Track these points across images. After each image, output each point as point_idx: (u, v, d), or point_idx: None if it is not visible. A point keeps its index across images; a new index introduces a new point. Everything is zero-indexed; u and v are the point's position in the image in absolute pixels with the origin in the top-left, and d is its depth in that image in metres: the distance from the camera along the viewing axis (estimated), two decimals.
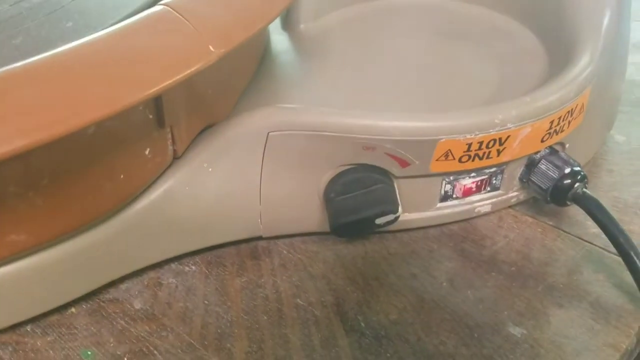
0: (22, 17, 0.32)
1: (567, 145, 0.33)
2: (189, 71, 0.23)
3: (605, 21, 0.34)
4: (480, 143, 0.29)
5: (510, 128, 0.29)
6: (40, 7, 0.33)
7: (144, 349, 0.29)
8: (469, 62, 0.37)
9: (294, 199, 0.32)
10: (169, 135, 0.29)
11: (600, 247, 0.33)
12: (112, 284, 0.32)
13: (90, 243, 0.29)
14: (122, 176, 0.28)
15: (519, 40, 0.38)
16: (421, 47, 0.38)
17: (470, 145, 0.29)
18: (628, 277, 0.30)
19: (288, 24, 0.40)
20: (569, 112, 0.31)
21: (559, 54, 0.35)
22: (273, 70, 0.36)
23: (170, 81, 0.23)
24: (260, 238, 0.34)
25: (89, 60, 0.22)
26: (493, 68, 0.36)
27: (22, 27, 0.31)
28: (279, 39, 0.40)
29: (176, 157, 0.30)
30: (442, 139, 0.28)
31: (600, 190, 0.37)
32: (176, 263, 0.33)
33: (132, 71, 0.22)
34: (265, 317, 0.30)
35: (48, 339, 0.29)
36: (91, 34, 0.29)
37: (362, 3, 0.42)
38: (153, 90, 0.22)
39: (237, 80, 0.33)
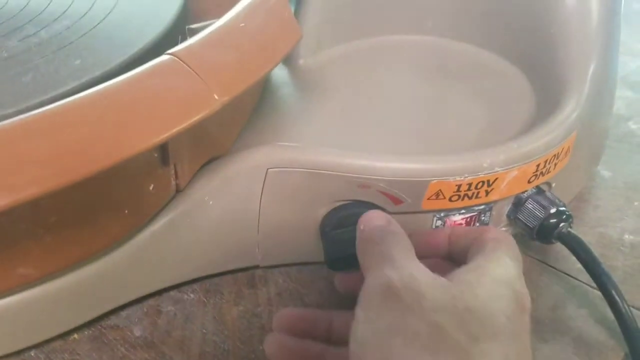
0: (31, 53, 0.33)
1: (553, 185, 0.35)
2: (194, 119, 0.25)
3: (593, 65, 0.36)
4: (470, 184, 0.30)
5: (497, 171, 0.30)
6: (49, 43, 0.34)
7: None
8: (459, 100, 0.38)
9: (291, 231, 0.34)
10: (173, 172, 0.30)
11: (584, 283, 0.34)
12: (113, 310, 0.33)
13: (94, 273, 0.30)
14: (126, 211, 0.29)
15: (508, 79, 0.39)
16: (414, 85, 0.40)
17: (460, 186, 0.30)
18: (610, 313, 0.31)
19: (288, 58, 0.41)
20: (555, 155, 0.32)
21: (547, 94, 0.36)
22: (272, 105, 0.38)
23: (177, 129, 0.24)
24: (257, 267, 0.36)
25: (99, 110, 0.23)
26: (483, 107, 0.37)
27: (32, 63, 0.32)
28: (278, 73, 0.41)
29: (179, 191, 0.31)
30: (433, 180, 0.30)
31: (586, 226, 0.38)
32: (175, 290, 0.34)
33: (142, 120, 0.24)
34: (262, 348, 0.31)
35: None
36: (99, 72, 0.31)
37: (359, 40, 0.44)
38: (161, 138, 0.24)
39: (239, 117, 0.34)
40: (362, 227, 0.27)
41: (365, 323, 0.22)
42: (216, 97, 0.26)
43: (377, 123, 0.36)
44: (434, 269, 0.23)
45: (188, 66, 0.26)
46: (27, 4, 0.38)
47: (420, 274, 0.23)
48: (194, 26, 0.44)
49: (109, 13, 0.37)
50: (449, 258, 0.28)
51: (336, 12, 0.42)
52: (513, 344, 0.21)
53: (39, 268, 0.27)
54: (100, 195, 0.27)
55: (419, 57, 0.42)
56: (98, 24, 0.36)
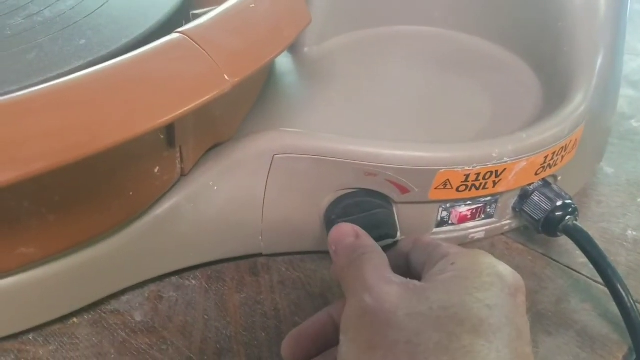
0: (35, 31, 0.32)
1: (559, 178, 0.34)
2: (205, 99, 0.24)
3: (600, 59, 0.36)
4: (478, 175, 0.30)
5: (506, 162, 0.30)
6: (54, 22, 0.33)
7: None
8: (466, 92, 0.38)
9: (295, 219, 0.33)
10: (178, 155, 0.30)
11: (588, 277, 0.34)
12: (114, 295, 0.32)
13: (96, 256, 0.29)
14: (131, 193, 0.28)
15: (515, 73, 0.39)
16: (420, 75, 0.39)
17: (468, 176, 0.30)
18: (613, 307, 0.31)
19: (293, 46, 0.41)
20: (562, 147, 0.32)
21: (554, 88, 0.36)
22: (277, 92, 0.37)
23: (187, 108, 0.24)
24: (260, 255, 0.35)
25: (109, 86, 0.23)
26: (489, 99, 0.37)
27: (36, 42, 0.31)
28: (283, 61, 0.41)
29: (183, 175, 0.31)
30: (441, 169, 0.30)
31: (589, 221, 0.38)
32: (177, 277, 0.34)
33: (151, 98, 0.23)
34: (264, 334, 0.31)
35: (50, 348, 0.30)
36: (104, 52, 0.30)
37: (364, 30, 0.43)
38: (171, 116, 0.23)
39: (244, 102, 0.34)
40: (333, 249, 0.27)
41: (346, 344, 0.22)
42: (227, 77, 0.25)
43: (382, 112, 0.35)
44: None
45: (199, 45, 0.25)
46: None
47: (392, 287, 0.22)
48: (197, 11, 0.43)
49: None
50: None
51: (342, 2, 0.42)
52: (501, 333, 0.20)
53: (41, 248, 0.27)
54: (105, 175, 0.26)
55: (425, 48, 0.42)
56: (102, 5, 0.35)
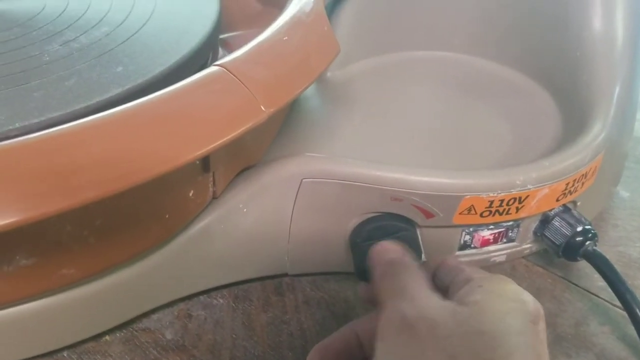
0: (73, 58, 0.34)
1: (578, 203, 0.35)
2: (243, 129, 0.25)
3: (618, 88, 0.37)
4: (502, 201, 0.31)
5: (529, 189, 0.31)
6: (90, 49, 0.35)
7: None
8: (486, 117, 0.39)
9: (320, 241, 0.34)
10: (211, 179, 0.31)
11: (606, 300, 0.35)
12: (144, 313, 0.33)
13: (131, 276, 0.30)
14: (167, 215, 0.29)
15: (533, 99, 0.40)
16: (440, 101, 0.40)
17: (492, 202, 0.31)
18: (631, 331, 0.32)
19: None
20: (583, 175, 0.33)
21: (572, 115, 0.37)
22: (301, 117, 0.38)
23: (227, 138, 0.25)
24: (285, 275, 0.36)
25: (155, 118, 0.24)
26: (509, 125, 0.38)
27: (74, 68, 0.33)
28: None
29: (215, 198, 0.32)
30: (467, 195, 0.30)
31: (606, 245, 0.39)
32: (205, 296, 0.35)
33: (195, 129, 0.24)
34: (291, 354, 0.32)
35: None
36: (141, 79, 0.31)
37: (385, 55, 0.45)
38: (212, 146, 0.24)
39: (272, 127, 0.35)
40: (374, 262, 0.28)
41: (383, 356, 0.23)
42: (263, 108, 0.26)
43: (404, 136, 0.37)
44: None
45: (237, 78, 0.26)
46: (65, 9, 0.39)
47: (432, 301, 0.23)
48: (223, 36, 0.45)
49: (146, 22, 0.38)
50: None
51: (365, 27, 0.43)
52: None
53: (81, 269, 0.28)
54: (145, 200, 0.28)
55: (445, 73, 0.43)
56: (135, 32, 0.36)
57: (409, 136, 0.37)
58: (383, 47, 0.45)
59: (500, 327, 0.22)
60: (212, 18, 0.39)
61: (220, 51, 0.43)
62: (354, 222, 0.33)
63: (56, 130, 0.22)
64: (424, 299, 0.23)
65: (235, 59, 0.27)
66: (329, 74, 0.42)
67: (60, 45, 0.35)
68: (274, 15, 0.47)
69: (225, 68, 0.26)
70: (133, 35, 0.36)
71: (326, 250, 0.35)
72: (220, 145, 0.25)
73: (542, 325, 0.23)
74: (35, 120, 0.28)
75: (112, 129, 0.23)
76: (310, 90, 0.42)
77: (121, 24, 0.37)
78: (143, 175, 0.23)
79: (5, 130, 0.27)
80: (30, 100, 0.29)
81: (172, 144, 0.23)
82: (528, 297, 0.23)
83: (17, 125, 0.27)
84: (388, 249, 0.28)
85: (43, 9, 0.40)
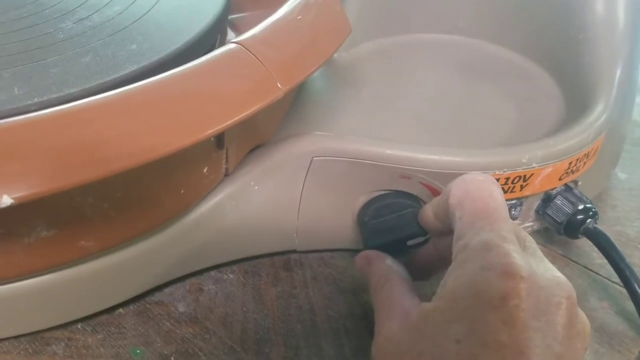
0: (87, 35, 0.34)
1: (579, 183, 0.36)
2: (261, 105, 0.26)
3: (619, 70, 0.38)
4: (507, 179, 0.32)
5: (534, 167, 0.32)
6: (104, 27, 0.35)
7: (189, 350, 0.31)
8: (490, 98, 0.40)
9: (329, 218, 0.35)
10: (224, 155, 0.31)
11: (605, 277, 0.36)
12: (157, 287, 0.34)
13: (144, 250, 0.31)
14: (182, 190, 0.30)
15: (536, 81, 0.41)
16: (445, 82, 0.41)
17: (498, 180, 0.32)
18: (629, 306, 0.33)
19: None
20: (585, 154, 0.34)
21: (575, 97, 0.38)
22: (309, 96, 0.39)
23: (246, 113, 0.25)
24: (293, 251, 0.37)
25: (177, 93, 0.24)
26: (513, 106, 0.39)
27: (89, 45, 0.33)
28: None
29: (227, 175, 0.33)
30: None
31: (605, 224, 0.40)
32: (215, 271, 0.36)
33: (214, 104, 0.25)
34: (300, 326, 0.33)
35: (98, 336, 0.32)
36: (156, 57, 0.32)
37: (390, 37, 0.45)
38: (232, 121, 0.25)
39: (283, 105, 0.36)
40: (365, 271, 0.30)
41: None
42: (279, 85, 0.27)
43: (410, 117, 0.37)
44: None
45: (254, 55, 0.27)
46: None
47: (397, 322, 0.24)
48: (232, 17, 0.45)
49: (157, 1, 0.38)
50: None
51: (371, 9, 0.44)
52: None
53: (99, 242, 0.29)
54: (163, 174, 0.28)
55: (449, 55, 0.44)
56: (149, 10, 0.37)
57: (414, 116, 0.38)
58: (388, 29, 0.46)
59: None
60: None
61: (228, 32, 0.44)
62: (362, 199, 0.34)
63: (81, 104, 0.23)
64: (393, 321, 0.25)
65: (252, 37, 0.28)
66: (335, 55, 0.43)
67: (74, 23, 0.35)
68: None
69: (242, 45, 0.27)
70: (146, 14, 0.36)
71: (334, 227, 0.36)
72: (238, 121, 0.25)
73: (514, 302, 0.21)
74: (54, 96, 0.28)
75: (135, 103, 0.24)
76: (317, 71, 0.42)
77: (133, 2, 0.38)
78: (166, 148, 0.23)
79: (25, 105, 0.27)
80: (48, 76, 0.30)
81: (193, 119, 0.24)
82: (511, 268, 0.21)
83: (35, 100, 0.28)
84: (370, 259, 0.30)
85: None
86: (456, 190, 0.26)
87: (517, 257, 0.22)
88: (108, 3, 0.38)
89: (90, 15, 0.36)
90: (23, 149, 0.21)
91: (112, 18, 0.36)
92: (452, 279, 0.23)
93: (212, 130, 0.24)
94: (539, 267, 0.22)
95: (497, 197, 0.25)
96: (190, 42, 0.34)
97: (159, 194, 0.29)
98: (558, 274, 0.23)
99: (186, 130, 0.24)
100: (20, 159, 0.21)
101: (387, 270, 0.29)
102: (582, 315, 0.23)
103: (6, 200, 0.21)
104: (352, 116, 0.37)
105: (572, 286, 0.23)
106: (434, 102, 0.39)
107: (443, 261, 0.28)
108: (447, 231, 0.27)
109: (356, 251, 0.36)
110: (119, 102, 0.23)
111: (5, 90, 0.28)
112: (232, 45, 0.27)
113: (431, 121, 0.37)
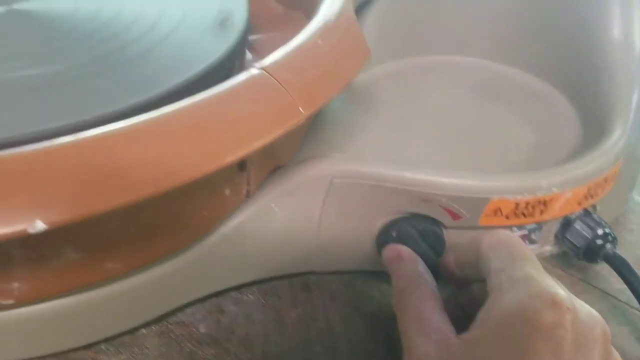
0: (111, 58, 0.35)
1: (598, 208, 0.36)
2: (284, 129, 0.27)
3: (636, 95, 0.38)
4: (527, 203, 0.32)
5: (554, 192, 0.32)
6: (128, 49, 0.36)
7: None
8: (507, 122, 0.40)
9: (348, 240, 0.35)
10: (246, 177, 0.32)
11: (624, 302, 0.36)
12: (178, 307, 0.34)
13: (167, 271, 0.31)
14: (205, 213, 0.30)
15: (554, 105, 0.42)
16: (462, 104, 0.42)
17: (518, 204, 0.32)
18: None
19: None
20: (604, 179, 0.34)
21: (592, 121, 0.38)
22: (327, 118, 0.39)
23: (270, 138, 0.26)
24: (312, 272, 0.37)
25: (203, 118, 0.25)
26: (530, 129, 0.39)
27: (109, 69, 0.34)
28: None
29: (248, 197, 0.33)
30: (494, 197, 0.32)
31: (623, 248, 0.39)
32: (235, 292, 0.36)
33: (240, 128, 0.25)
34: (320, 349, 0.33)
35: (122, 357, 0.32)
36: (180, 79, 0.32)
37: (408, 59, 0.46)
38: (256, 146, 0.25)
39: (302, 128, 0.36)
40: (390, 268, 0.29)
41: None
42: (301, 110, 0.28)
43: (426, 138, 0.38)
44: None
45: (277, 80, 0.27)
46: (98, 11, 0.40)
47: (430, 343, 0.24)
48: (250, 38, 0.46)
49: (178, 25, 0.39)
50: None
51: (388, 31, 0.44)
52: None
53: (125, 263, 0.29)
54: (187, 197, 0.29)
55: (466, 77, 0.44)
56: (170, 32, 0.37)
57: (431, 138, 0.38)
58: (404, 51, 0.46)
59: None
60: (243, 21, 0.40)
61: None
62: (382, 222, 0.34)
63: (113, 130, 0.23)
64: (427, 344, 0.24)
65: (275, 62, 0.28)
66: None
67: (99, 44, 0.36)
68: (296, 18, 0.48)
69: (266, 71, 0.28)
70: (168, 35, 0.37)
71: (353, 249, 0.36)
72: (262, 146, 0.26)
73: (559, 332, 0.21)
74: (88, 118, 0.29)
75: (165, 129, 0.24)
76: None
77: (152, 27, 0.39)
78: (194, 173, 0.24)
79: (63, 125, 0.28)
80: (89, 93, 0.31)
81: (220, 144, 0.25)
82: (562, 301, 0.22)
83: (65, 122, 0.28)
84: (402, 256, 0.29)
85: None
86: (488, 239, 0.26)
87: (562, 290, 0.22)
88: (130, 24, 0.38)
89: (110, 38, 0.37)
90: (56, 173, 0.22)
91: (136, 40, 0.37)
92: (497, 306, 0.23)
93: (237, 156, 0.25)
94: (577, 302, 0.23)
95: (528, 248, 0.26)
96: (215, 63, 0.34)
97: (183, 216, 0.29)
98: (594, 310, 0.23)
99: (214, 155, 0.24)
100: (54, 183, 0.22)
101: (418, 276, 0.28)
102: (615, 353, 0.23)
103: (39, 225, 0.21)
104: (369, 137, 0.38)
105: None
106: (451, 124, 0.39)
107: (462, 312, 0.28)
108: (465, 280, 0.28)
109: (375, 273, 0.37)
110: (149, 128, 0.24)
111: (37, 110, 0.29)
112: (255, 71, 0.28)
113: (448, 144, 0.37)
